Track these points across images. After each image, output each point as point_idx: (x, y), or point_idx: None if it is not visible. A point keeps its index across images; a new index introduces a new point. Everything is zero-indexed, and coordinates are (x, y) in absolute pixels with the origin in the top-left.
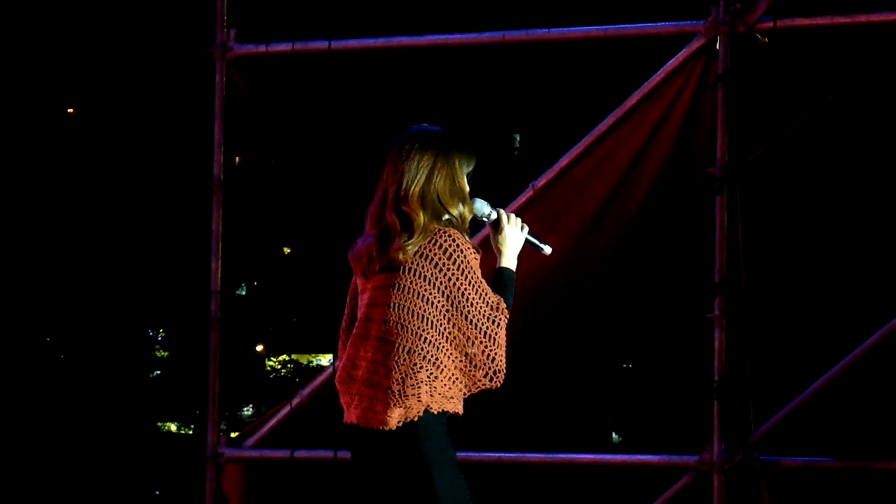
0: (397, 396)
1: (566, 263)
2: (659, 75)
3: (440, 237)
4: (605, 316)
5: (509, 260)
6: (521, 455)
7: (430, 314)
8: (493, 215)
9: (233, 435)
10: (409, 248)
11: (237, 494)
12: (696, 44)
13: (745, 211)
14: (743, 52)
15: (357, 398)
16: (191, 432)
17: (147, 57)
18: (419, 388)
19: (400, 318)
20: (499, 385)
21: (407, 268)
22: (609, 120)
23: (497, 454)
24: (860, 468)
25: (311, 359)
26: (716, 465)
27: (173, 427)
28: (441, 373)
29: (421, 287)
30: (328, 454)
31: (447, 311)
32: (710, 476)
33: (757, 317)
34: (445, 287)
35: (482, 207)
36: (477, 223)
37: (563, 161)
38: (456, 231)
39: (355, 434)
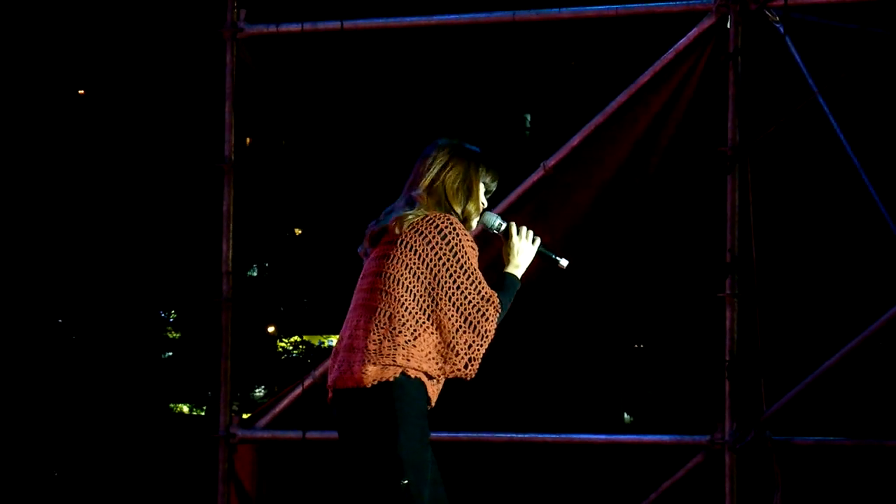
0: (372, 355)
1: (577, 243)
2: (670, 54)
3: (438, 219)
4: (616, 296)
5: (516, 268)
6: (534, 436)
7: (414, 287)
8: (503, 226)
9: (245, 416)
10: (406, 218)
11: (249, 475)
12: (706, 22)
13: (756, 190)
14: (754, 31)
15: (338, 364)
16: (203, 413)
17: (157, 38)
18: (395, 350)
19: (385, 285)
20: (472, 376)
21: (402, 241)
22: (620, 99)
23: (509, 434)
24: (872, 446)
25: (322, 340)
26: (727, 445)
27: (185, 408)
28: (418, 342)
29: (410, 260)
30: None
31: (432, 288)
32: (722, 455)
33: (768, 296)
34: (433, 264)
35: (492, 219)
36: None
37: (575, 141)
38: (456, 219)
39: (335, 398)
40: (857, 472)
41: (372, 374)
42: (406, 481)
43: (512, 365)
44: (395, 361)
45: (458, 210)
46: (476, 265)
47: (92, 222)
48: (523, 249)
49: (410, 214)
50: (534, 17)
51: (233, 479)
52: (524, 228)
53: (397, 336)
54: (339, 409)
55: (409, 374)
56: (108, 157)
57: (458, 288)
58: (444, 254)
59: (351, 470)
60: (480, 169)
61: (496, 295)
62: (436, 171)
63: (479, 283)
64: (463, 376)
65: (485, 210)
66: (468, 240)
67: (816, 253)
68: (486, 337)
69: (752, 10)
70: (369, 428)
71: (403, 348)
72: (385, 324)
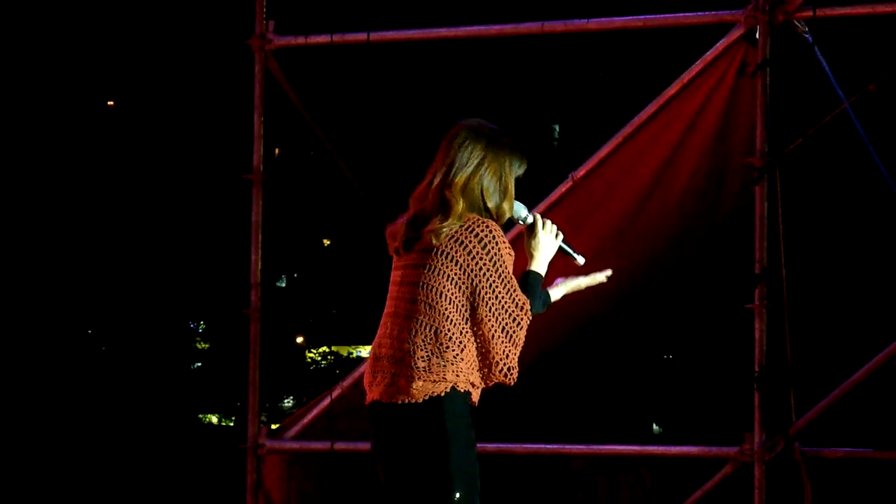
0: (422, 371)
1: (605, 254)
2: (698, 65)
3: (477, 225)
4: (645, 306)
5: (539, 265)
6: (563, 446)
7: (457, 298)
8: (530, 219)
9: (273, 426)
10: (443, 230)
11: (278, 486)
12: (735, 33)
13: (784, 200)
14: (782, 42)
15: (380, 375)
16: (232, 424)
17: (187, 49)
18: (445, 367)
19: (428, 297)
20: (513, 382)
21: (440, 250)
22: (648, 110)
23: (538, 445)
24: None
25: (351, 350)
26: (756, 456)
27: (214, 419)
28: (464, 353)
29: (451, 270)
30: (369, 446)
31: (473, 298)
32: (751, 466)
33: (797, 306)
34: (475, 274)
35: (519, 210)
36: (509, 223)
37: (603, 151)
38: (494, 223)
39: (378, 411)
40: (886, 484)
41: (422, 389)
42: (458, 494)
43: (542, 375)
44: (445, 378)
45: (493, 208)
46: (511, 271)
47: (122, 233)
48: (548, 244)
49: (446, 226)
50: (562, 28)
51: (261, 489)
52: (548, 222)
53: (446, 352)
54: (381, 423)
55: (458, 387)
56: (138, 168)
57: (496, 297)
58: (485, 263)
59: (393, 484)
60: (514, 163)
61: (528, 301)
62: (472, 168)
63: (515, 290)
64: (504, 383)
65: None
66: (506, 246)
67: (846, 263)
68: (519, 345)
69: (781, 20)
70: (418, 442)
71: (453, 364)
72: (432, 339)
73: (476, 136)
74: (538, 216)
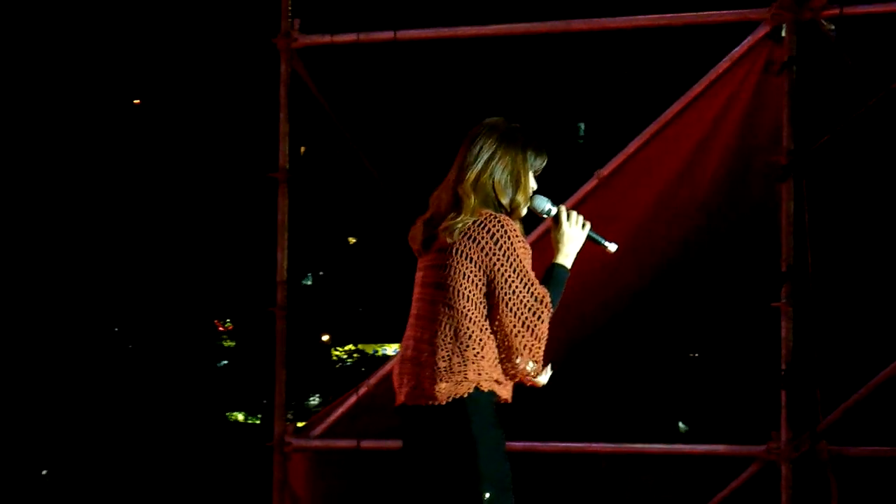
0: (443, 372)
1: (630, 252)
2: (724, 63)
3: (489, 221)
4: (671, 305)
5: (565, 257)
6: (588, 444)
7: (474, 295)
8: (553, 211)
9: (299, 424)
10: (456, 227)
11: (304, 483)
12: (761, 31)
13: (810, 199)
14: (808, 40)
15: (406, 378)
16: (258, 422)
17: (212, 47)
18: (466, 366)
19: (445, 297)
20: (537, 376)
21: (455, 249)
22: (674, 108)
23: (564, 444)
24: None
25: (377, 348)
26: (783, 454)
27: (240, 416)
28: (486, 353)
29: (466, 268)
30: (395, 444)
31: (490, 294)
32: (778, 465)
33: (824, 305)
34: (489, 271)
35: (542, 203)
36: (536, 219)
37: (628, 149)
38: (507, 218)
39: (405, 414)
40: None
41: (445, 391)
42: (487, 494)
43: (567, 374)
44: (466, 378)
45: (506, 202)
46: (527, 265)
47: (148, 232)
48: (573, 236)
49: (459, 222)
50: (587, 26)
51: (287, 487)
52: (574, 213)
53: (466, 351)
54: (408, 426)
55: (481, 387)
56: (164, 167)
57: (513, 292)
58: (498, 259)
59: (423, 487)
60: (529, 155)
61: (548, 293)
62: (482, 163)
63: (532, 284)
64: (529, 378)
65: (534, 193)
66: (518, 239)
67: (872, 261)
68: (542, 338)
69: (807, 18)
70: (445, 444)
71: (473, 363)
72: (452, 339)
73: (490, 131)
74: (562, 208)
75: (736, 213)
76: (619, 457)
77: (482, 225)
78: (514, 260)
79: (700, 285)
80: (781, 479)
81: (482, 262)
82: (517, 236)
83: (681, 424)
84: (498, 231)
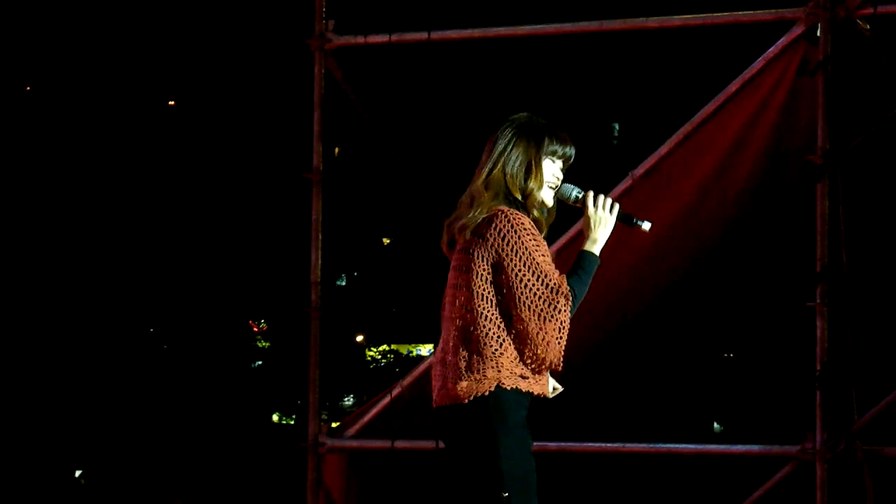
0: (463, 371)
1: (665, 252)
2: (759, 63)
3: (495, 216)
4: (705, 305)
5: (594, 243)
6: (623, 445)
7: (489, 293)
8: (580, 197)
9: (334, 425)
10: (468, 224)
11: (338, 484)
12: (795, 31)
13: (846, 198)
14: (843, 39)
15: (435, 380)
16: (292, 422)
17: (247, 49)
18: (485, 363)
19: (464, 297)
20: (558, 368)
21: (469, 248)
22: (708, 108)
23: (599, 444)
24: None
25: (410, 348)
26: (818, 454)
27: (275, 417)
28: (505, 349)
29: (479, 266)
30: (429, 444)
31: (503, 290)
32: (813, 465)
33: (859, 305)
34: (499, 266)
35: (569, 190)
36: (569, 216)
37: (662, 150)
38: (512, 211)
39: (436, 416)
40: None
41: (466, 389)
42: (506, 493)
43: (602, 374)
44: (486, 375)
45: (518, 193)
46: (537, 255)
47: (183, 233)
48: (602, 221)
49: (469, 220)
50: (621, 26)
51: (321, 487)
52: (601, 197)
53: (484, 349)
54: (439, 427)
55: (503, 384)
56: (199, 168)
57: (524, 285)
58: (507, 253)
59: (452, 486)
60: (544, 141)
61: (565, 282)
62: (495, 156)
63: (544, 274)
64: (552, 369)
65: (563, 182)
66: (526, 231)
67: None
68: (563, 328)
69: (842, 17)
70: (469, 443)
71: (492, 360)
72: (470, 338)
73: (507, 126)
74: (590, 192)
75: (771, 213)
76: (653, 457)
77: (489, 221)
78: (523, 253)
79: (735, 285)
80: (817, 479)
81: (491, 258)
82: (524, 228)
83: (716, 424)
84: (504, 226)
